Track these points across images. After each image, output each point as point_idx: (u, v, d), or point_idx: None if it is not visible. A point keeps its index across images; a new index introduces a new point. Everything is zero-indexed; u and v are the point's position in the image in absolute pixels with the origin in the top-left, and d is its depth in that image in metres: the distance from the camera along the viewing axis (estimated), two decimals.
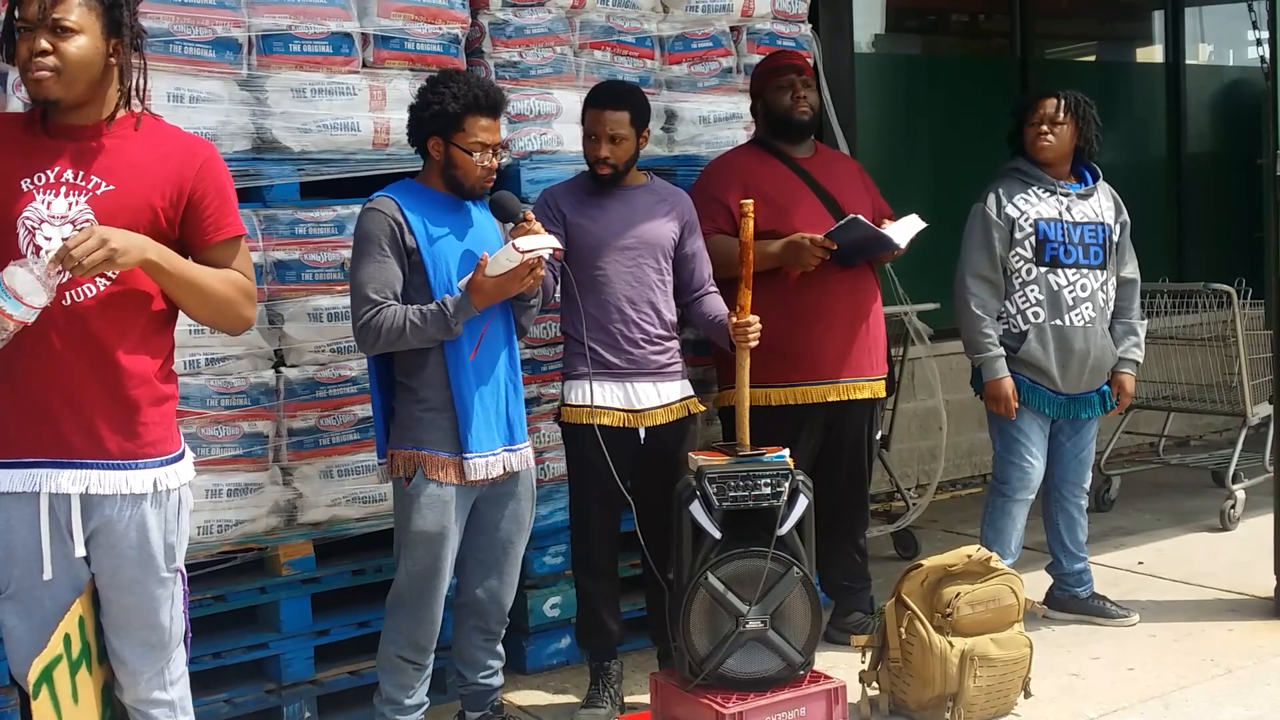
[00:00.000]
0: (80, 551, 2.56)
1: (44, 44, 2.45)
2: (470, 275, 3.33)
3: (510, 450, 3.48)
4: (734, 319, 3.73)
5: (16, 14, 2.48)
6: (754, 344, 3.73)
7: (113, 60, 2.55)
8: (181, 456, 2.70)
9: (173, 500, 2.65)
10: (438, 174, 3.45)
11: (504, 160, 4.20)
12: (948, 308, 4.76)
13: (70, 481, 2.54)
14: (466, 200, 3.49)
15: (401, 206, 3.38)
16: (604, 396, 3.76)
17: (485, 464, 3.41)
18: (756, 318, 3.72)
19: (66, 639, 2.57)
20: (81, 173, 2.54)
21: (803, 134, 4.30)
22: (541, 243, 3.34)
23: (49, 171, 2.53)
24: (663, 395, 3.84)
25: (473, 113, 3.37)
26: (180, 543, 2.69)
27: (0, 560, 2.58)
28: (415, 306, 3.33)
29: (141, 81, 2.61)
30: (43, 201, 2.52)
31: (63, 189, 2.53)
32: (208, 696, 3.59)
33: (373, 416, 3.58)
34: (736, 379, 3.75)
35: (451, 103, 3.36)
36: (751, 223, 3.69)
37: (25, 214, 2.52)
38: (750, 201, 3.72)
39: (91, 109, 2.56)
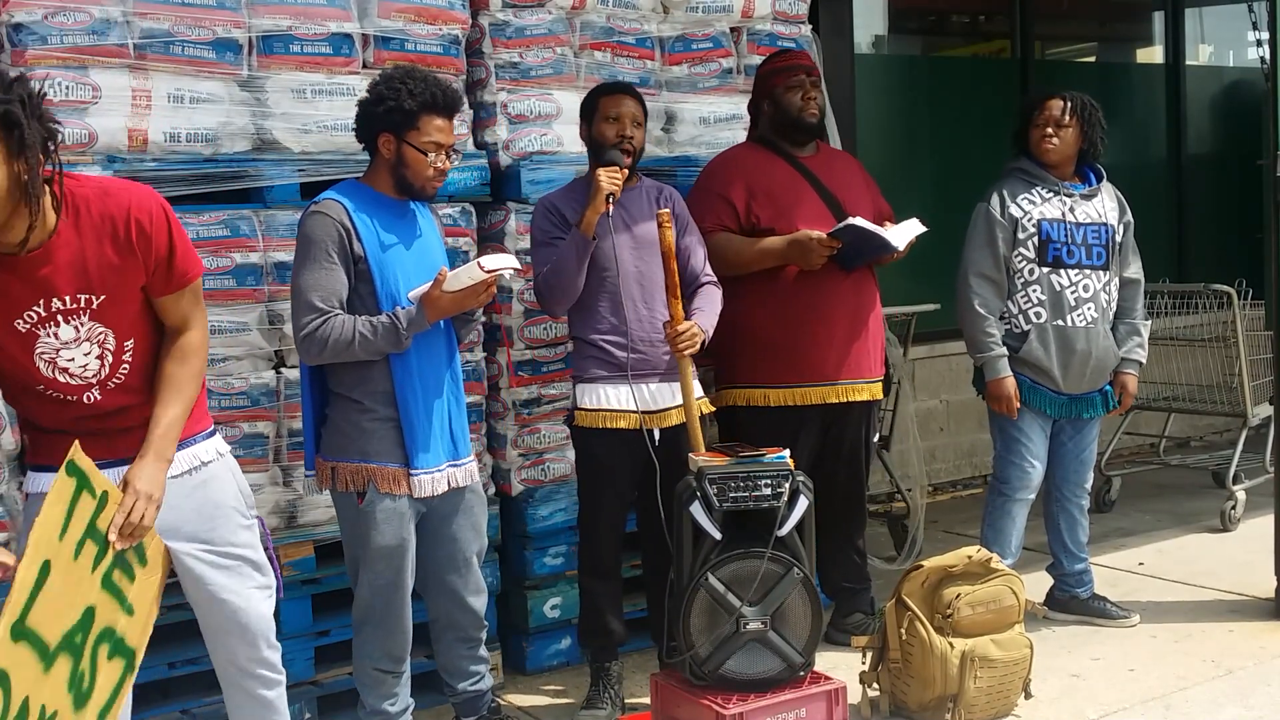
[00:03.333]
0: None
1: None
2: (425, 288, 3.24)
3: (455, 465, 3.41)
4: (668, 330, 3.73)
5: None
6: (689, 353, 3.73)
7: (25, 179, 2.37)
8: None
9: (227, 460, 2.86)
10: (386, 173, 3.35)
11: (505, 162, 4.21)
12: (948, 308, 4.76)
13: None
14: (413, 201, 3.41)
15: (350, 211, 3.27)
16: (620, 399, 3.75)
17: (431, 480, 3.34)
18: (690, 324, 3.72)
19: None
20: (67, 298, 2.53)
21: (809, 135, 4.30)
22: (504, 262, 3.30)
23: (35, 309, 2.52)
24: (676, 396, 3.83)
25: (429, 112, 3.28)
26: (248, 492, 2.90)
27: None
28: (365, 317, 3.23)
29: (58, 184, 2.48)
30: (48, 334, 2.55)
31: (59, 317, 2.55)
32: (208, 697, 3.59)
33: (302, 427, 3.48)
34: (682, 386, 3.76)
35: (408, 100, 3.26)
36: (671, 234, 3.71)
37: (39, 350, 2.56)
38: (667, 211, 3.74)
39: (20, 230, 2.43)
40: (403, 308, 3.26)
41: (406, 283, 3.30)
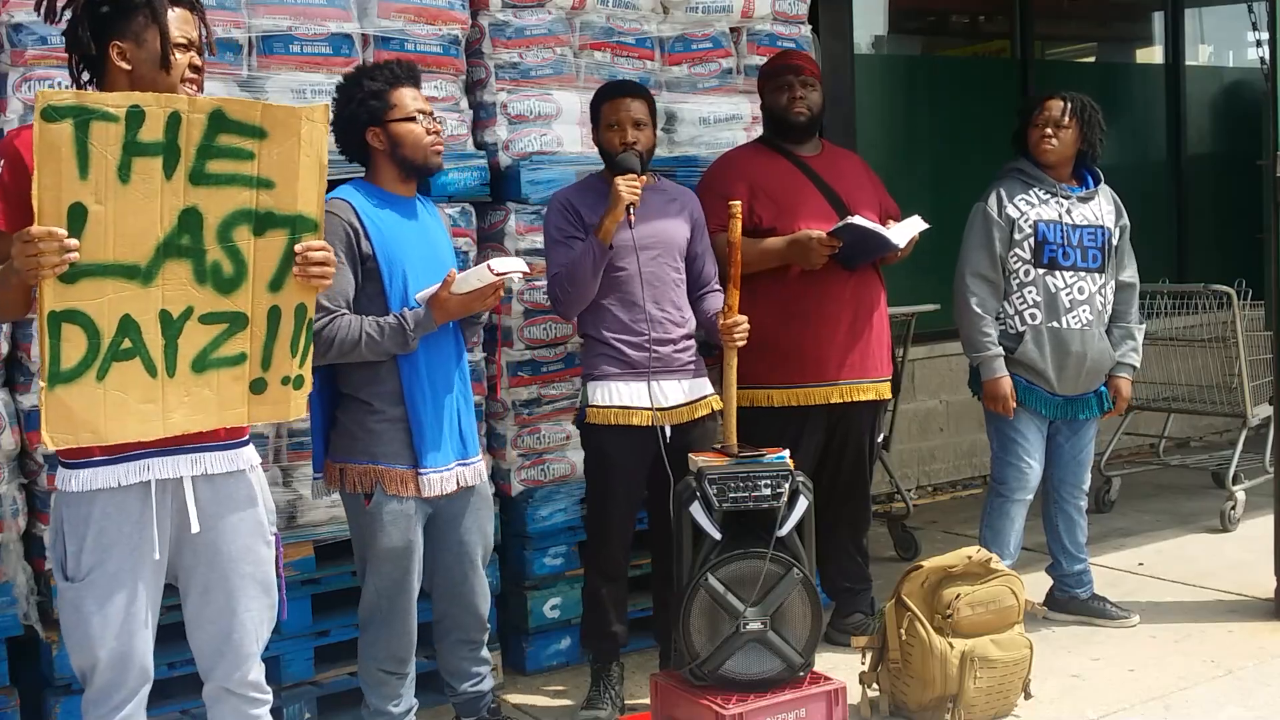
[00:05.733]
0: (195, 528, 2.65)
1: (199, 61, 2.71)
2: (434, 290, 3.24)
3: (464, 464, 3.40)
4: (722, 319, 3.73)
5: (171, 31, 2.64)
6: (741, 344, 3.74)
7: None
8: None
9: (260, 472, 2.81)
10: (387, 164, 3.34)
11: (505, 162, 4.21)
12: (948, 308, 4.76)
13: (190, 465, 2.65)
14: (424, 180, 3.42)
15: (358, 210, 3.27)
16: (632, 396, 3.75)
17: (440, 479, 3.32)
18: (744, 318, 3.73)
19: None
20: None
21: (799, 134, 4.29)
22: (513, 266, 3.29)
23: None
24: (687, 392, 3.83)
25: (395, 86, 3.31)
26: (273, 507, 2.87)
27: (88, 548, 2.60)
28: (372, 318, 3.23)
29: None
30: None
31: None
32: None
33: (310, 427, 3.45)
34: (724, 379, 3.75)
35: (370, 84, 3.30)
36: (739, 224, 3.70)
37: None
38: (738, 203, 3.72)
39: None
40: (410, 308, 3.26)
41: (415, 282, 3.29)
